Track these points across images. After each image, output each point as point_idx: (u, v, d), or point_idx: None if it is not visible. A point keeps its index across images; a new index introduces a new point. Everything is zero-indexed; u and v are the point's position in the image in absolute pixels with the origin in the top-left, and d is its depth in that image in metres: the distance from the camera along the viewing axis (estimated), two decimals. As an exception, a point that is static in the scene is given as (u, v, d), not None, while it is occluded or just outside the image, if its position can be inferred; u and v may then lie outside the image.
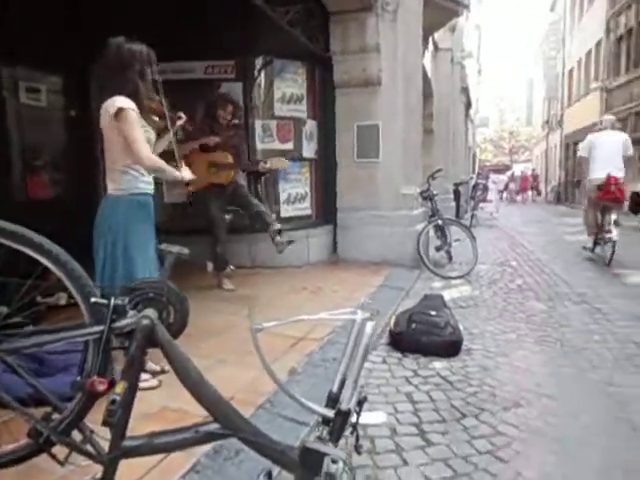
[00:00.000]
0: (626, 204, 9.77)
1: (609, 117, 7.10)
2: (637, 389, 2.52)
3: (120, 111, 2.17)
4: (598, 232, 6.16)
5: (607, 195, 5.84)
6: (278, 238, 4.27)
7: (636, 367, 2.82)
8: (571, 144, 21.31)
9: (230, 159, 4.22)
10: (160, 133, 2.56)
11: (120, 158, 2.27)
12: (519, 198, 25.02)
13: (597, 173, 5.96)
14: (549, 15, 27.83)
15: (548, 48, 25.88)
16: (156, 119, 2.50)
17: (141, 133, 2.24)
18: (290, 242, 4.32)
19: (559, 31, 24.18)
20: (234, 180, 4.29)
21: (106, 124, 2.24)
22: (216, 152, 4.19)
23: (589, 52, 18.83)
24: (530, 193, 26.40)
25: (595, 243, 6.32)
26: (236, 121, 4.57)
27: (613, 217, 5.82)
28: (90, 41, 2.32)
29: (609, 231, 5.79)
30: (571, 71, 21.88)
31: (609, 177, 5.77)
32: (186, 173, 2.53)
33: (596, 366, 2.84)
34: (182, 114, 2.74)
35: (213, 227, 4.27)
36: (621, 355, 3.01)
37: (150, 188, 2.41)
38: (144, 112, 2.30)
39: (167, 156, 2.58)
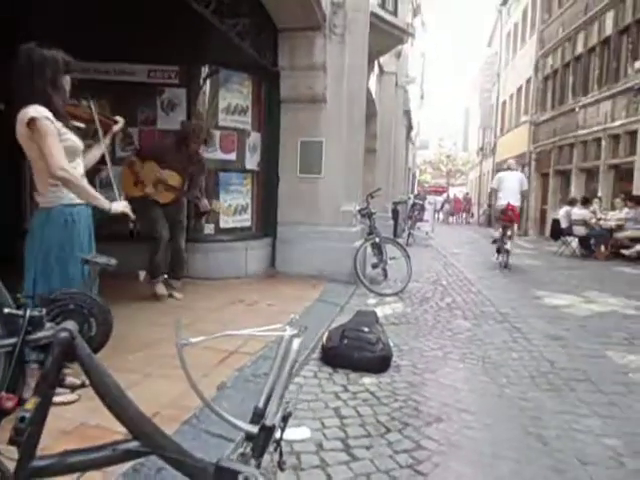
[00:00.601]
0: (547, 230, 11.30)
1: (511, 161, 9.38)
2: (548, 405, 2.71)
3: (32, 121, 2.06)
4: (500, 244, 8.11)
5: (506, 217, 7.99)
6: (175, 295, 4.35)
7: (549, 384, 3.02)
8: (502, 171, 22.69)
9: (177, 182, 4.15)
10: (93, 140, 2.45)
11: (44, 169, 2.15)
12: (451, 219, 26.35)
13: (501, 201, 8.10)
14: (486, 50, 29.73)
15: (484, 80, 27.58)
16: (81, 125, 2.38)
17: (55, 143, 2.11)
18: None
19: (495, 65, 25.86)
20: (172, 203, 4.21)
21: (22, 135, 2.12)
22: (168, 171, 4.12)
23: (520, 87, 20.26)
24: (464, 215, 27.87)
25: (498, 251, 8.25)
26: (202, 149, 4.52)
27: (509, 233, 7.94)
28: (28, 33, 2.21)
29: (506, 243, 7.89)
30: (504, 103, 23.41)
31: (508, 204, 7.89)
32: (118, 205, 2.31)
33: (513, 382, 3.03)
34: (119, 118, 2.62)
35: (152, 228, 4.14)
36: (536, 372, 3.22)
37: None
38: (62, 119, 2.19)
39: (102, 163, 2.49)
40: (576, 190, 13.61)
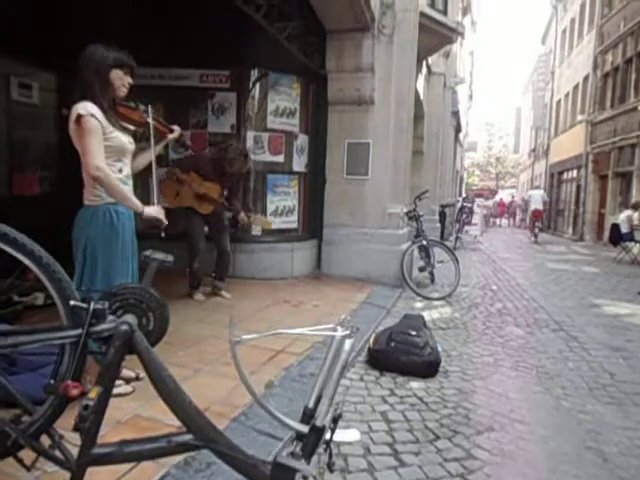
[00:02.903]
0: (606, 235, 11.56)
1: (537, 185, 20.78)
2: (609, 419, 2.56)
3: (79, 118, 2.07)
4: (532, 231, 15.08)
5: (534, 216, 14.85)
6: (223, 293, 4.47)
7: (610, 397, 2.86)
8: (556, 173, 21.77)
9: (217, 195, 4.16)
10: (147, 144, 2.43)
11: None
12: (496, 221, 25.60)
13: (531, 207, 14.96)
14: (540, 47, 28.62)
15: (537, 79, 26.53)
16: (130, 127, 2.35)
17: (95, 141, 2.09)
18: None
19: (549, 63, 24.84)
20: (212, 213, 4.24)
21: (71, 132, 2.14)
22: (210, 183, 4.14)
23: (576, 85, 19.34)
24: (510, 219, 27.15)
25: (535, 236, 14.75)
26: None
27: (537, 224, 14.77)
28: (85, 41, 2.28)
29: (536, 230, 14.70)
30: (559, 102, 22.42)
31: (535, 209, 14.66)
32: (150, 209, 2.26)
33: (570, 394, 2.88)
34: (176, 127, 2.61)
35: (190, 240, 4.21)
36: (595, 384, 3.06)
37: None
38: (110, 116, 2.17)
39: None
40: (638, 193, 12.83)
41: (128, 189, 2.26)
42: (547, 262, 9.69)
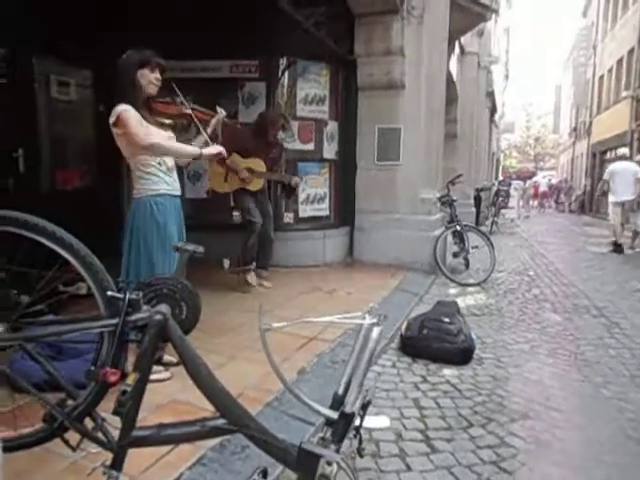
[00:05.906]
0: None
1: (544, 175, 29.17)
2: (652, 408, 2.47)
3: (118, 117, 2.21)
4: (541, 206, 22.86)
5: (542, 195, 23.10)
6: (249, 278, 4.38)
7: (654, 385, 2.76)
8: (598, 153, 20.86)
9: (262, 169, 4.29)
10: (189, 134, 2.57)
11: (132, 162, 2.33)
12: (534, 204, 24.77)
13: (540, 189, 22.85)
14: (580, 21, 27.27)
15: (578, 54, 25.35)
16: (165, 121, 2.47)
17: (139, 126, 2.22)
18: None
19: (590, 37, 23.65)
20: (262, 189, 4.37)
21: (115, 135, 2.28)
22: (253, 159, 4.25)
23: (621, 59, 18.34)
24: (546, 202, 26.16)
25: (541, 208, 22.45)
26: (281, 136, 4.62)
27: (544, 201, 23.14)
28: (121, 38, 2.35)
29: (545, 204, 23.36)
30: (601, 78, 21.36)
31: (543, 191, 23.10)
32: (209, 149, 2.43)
33: (610, 382, 2.80)
34: (221, 109, 2.75)
35: (250, 217, 4.26)
36: (638, 372, 2.95)
37: (169, 189, 2.39)
38: (144, 115, 2.29)
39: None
40: (688, 172, 12.12)
41: (179, 146, 2.39)
42: (588, 245, 9.36)
